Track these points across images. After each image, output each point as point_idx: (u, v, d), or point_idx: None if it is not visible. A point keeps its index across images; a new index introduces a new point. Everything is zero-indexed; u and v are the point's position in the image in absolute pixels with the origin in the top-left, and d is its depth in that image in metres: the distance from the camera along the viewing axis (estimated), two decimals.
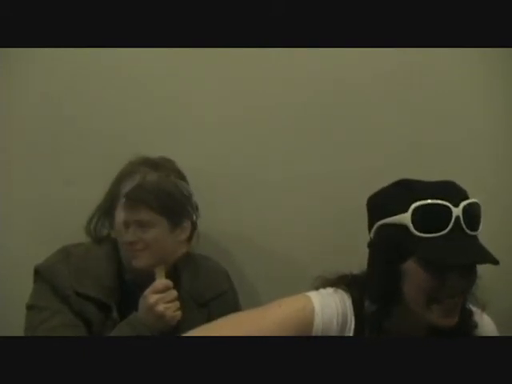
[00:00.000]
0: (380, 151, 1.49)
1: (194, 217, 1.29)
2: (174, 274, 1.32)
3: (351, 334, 1.02)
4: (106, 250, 1.31)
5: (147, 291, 1.21)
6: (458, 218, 0.94)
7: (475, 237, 0.97)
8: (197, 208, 1.31)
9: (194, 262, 1.39)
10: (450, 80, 1.46)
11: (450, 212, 0.94)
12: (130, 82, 1.52)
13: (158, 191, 1.23)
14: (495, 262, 0.94)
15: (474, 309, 1.08)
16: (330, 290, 1.06)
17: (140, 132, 1.52)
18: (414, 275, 0.96)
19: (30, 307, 1.25)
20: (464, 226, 0.94)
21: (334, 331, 1.01)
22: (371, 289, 1.03)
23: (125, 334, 1.19)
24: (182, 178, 1.32)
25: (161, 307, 1.20)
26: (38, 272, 1.27)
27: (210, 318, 1.09)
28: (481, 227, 0.97)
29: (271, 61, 1.48)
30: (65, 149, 1.53)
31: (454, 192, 0.97)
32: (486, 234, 1.43)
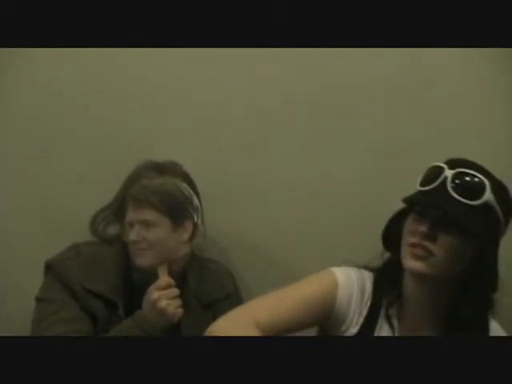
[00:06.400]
0: (382, 152, 1.49)
1: (195, 217, 1.33)
2: (180, 275, 1.35)
3: (367, 307, 1.12)
4: (115, 249, 1.35)
5: (150, 288, 1.26)
6: (446, 177, 1.03)
7: (463, 203, 1.02)
8: (198, 209, 1.34)
9: (201, 264, 1.43)
10: (451, 80, 1.46)
11: (442, 171, 1.04)
12: (131, 82, 1.52)
13: (162, 193, 1.28)
14: (459, 221, 1.01)
15: (496, 326, 1.13)
16: (353, 267, 1.17)
17: (142, 133, 1.53)
18: (406, 224, 1.08)
19: (39, 300, 1.30)
20: (449, 186, 1.03)
21: (353, 303, 1.11)
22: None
23: (129, 330, 1.23)
24: (189, 181, 1.35)
25: (163, 303, 1.23)
26: (48, 266, 1.31)
27: (214, 319, 1.12)
28: (480, 201, 1.02)
29: (271, 61, 1.48)
30: (74, 147, 1.54)
31: (464, 162, 1.05)
32: None
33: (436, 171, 1.06)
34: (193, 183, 1.37)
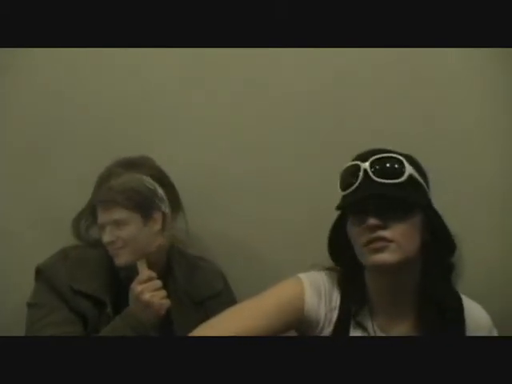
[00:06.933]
0: None
1: (163, 207, 1.33)
2: (164, 269, 1.37)
3: (337, 306, 1.14)
4: (99, 251, 1.35)
5: (133, 284, 1.27)
6: (365, 170, 1.07)
7: (391, 184, 1.06)
8: (163, 199, 1.34)
9: (189, 261, 1.44)
10: (451, 80, 1.46)
11: (358, 167, 1.08)
12: (131, 82, 1.52)
13: (127, 190, 1.29)
14: (398, 199, 1.05)
15: (469, 301, 1.16)
16: (319, 271, 1.19)
17: (142, 133, 1.53)
18: (349, 230, 1.11)
19: (30, 305, 1.31)
20: (372, 176, 1.06)
21: (322, 307, 1.13)
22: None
23: (118, 328, 1.24)
24: (162, 175, 1.36)
25: (147, 295, 1.25)
26: (38, 271, 1.33)
27: (206, 317, 1.14)
28: (404, 176, 1.06)
29: (271, 61, 1.48)
30: (74, 147, 1.54)
31: (373, 151, 1.09)
32: (486, 223, 1.45)
33: (352, 170, 1.09)
34: (164, 175, 1.37)
